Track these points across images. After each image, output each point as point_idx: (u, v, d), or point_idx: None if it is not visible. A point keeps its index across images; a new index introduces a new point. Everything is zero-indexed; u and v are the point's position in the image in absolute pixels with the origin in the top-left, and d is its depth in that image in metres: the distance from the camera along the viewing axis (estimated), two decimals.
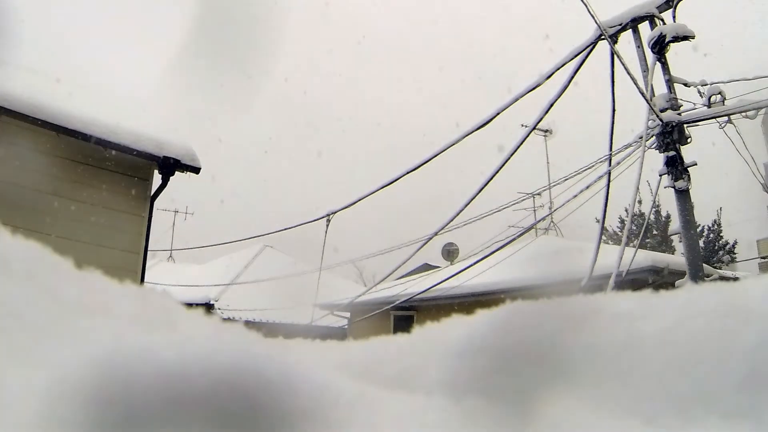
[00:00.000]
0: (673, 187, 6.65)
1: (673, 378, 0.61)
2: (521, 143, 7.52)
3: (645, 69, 6.96)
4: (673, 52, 6.77)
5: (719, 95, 6.80)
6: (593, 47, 7.00)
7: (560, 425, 0.53)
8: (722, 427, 0.53)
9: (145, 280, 6.46)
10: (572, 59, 7.16)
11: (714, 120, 6.80)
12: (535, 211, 14.13)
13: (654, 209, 21.43)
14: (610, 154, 7.30)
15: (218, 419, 0.47)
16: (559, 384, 0.61)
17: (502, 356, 0.66)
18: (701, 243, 19.96)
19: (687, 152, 6.73)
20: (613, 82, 7.00)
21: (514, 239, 9.21)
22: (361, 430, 0.51)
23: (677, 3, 6.63)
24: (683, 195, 6.65)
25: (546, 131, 15.79)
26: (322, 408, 0.50)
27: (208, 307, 14.57)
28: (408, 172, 8.12)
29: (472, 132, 7.60)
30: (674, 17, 6.70)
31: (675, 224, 7.15)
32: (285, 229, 10.71)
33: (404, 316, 12.86)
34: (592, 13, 5.63)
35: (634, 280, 8.51)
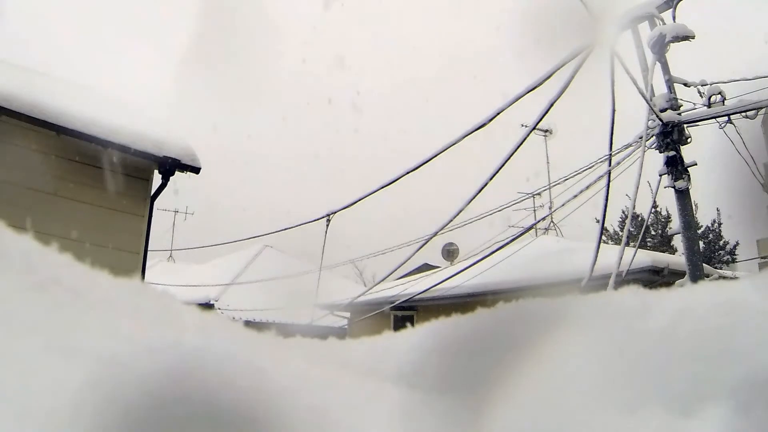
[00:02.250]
0: (673, 187, 6.65)
1: (672, 374, 0.61)
2: (521, 143, 7.52)
3: (645, 69, 6.96)
4: (673, 51, 6.78)
5: (719, 95, 6.80)
6: (593, 47, 7.00)
7: (560, 420, 0.53)
8: (720, 423, 0.53)
9: (145, 280, 6.46)
10: (572, 59, 7.15)
11: (714, 120, 6.80)
12: (535, 211, 14.14)
13: (654, 209, 21.41)
14: (610, 154, 7.30)
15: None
16: (558, 380, 0.61)
17: (501, 353, 0.66)
18: (701, 243, 19.93)
19: (687, 152, 6.73)
20: (613, 82, 7.00)
21: (514, 239, 9.20)
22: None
23: (677, 3, 6.63)
24: (683, 195, 6.65)
25: (546, 131, 15.80)
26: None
27: (208, 307, 14.57)
28: (408, 173, 8.12)
29: (472, 132, 7.60)
30: (674, 17, 6.70)
31: (675, 224, 7.15)
32: (285, 229, 10.70)
33: (404, 316, 12.86)
34: (592, 12, 5.63)
35: (634, 281, 8.51)
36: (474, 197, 7.64)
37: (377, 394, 0.59)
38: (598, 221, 7.61)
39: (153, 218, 6.30)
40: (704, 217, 22.19)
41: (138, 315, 0.76)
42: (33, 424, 0.46)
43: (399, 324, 12.73)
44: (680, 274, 8.07)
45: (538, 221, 12.90)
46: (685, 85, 6.91)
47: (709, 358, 0.65)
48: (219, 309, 14.67)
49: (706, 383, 0.60)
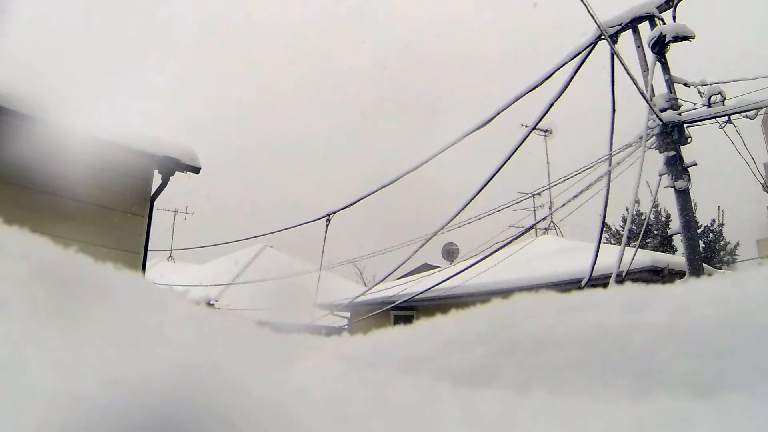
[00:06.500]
0: (673, 187, 6.65)
1: (669, 365, 0.61)
2: (521, 143, 7.53)
3: (645, 69, 6.96)
4: (673, 52, 6.78)
5: (719, 95, 6.80)
6: (593, 47, 7.01)
7: (560, 411, 0.53)
8: (715, 410, 0.54)
9: None
10: (572, 59, 7.16)
11: (714, 120, 6.79)
12: (535, 211, 14.15)
13: (654, 209, 21.39)
14: (610, 154, 7.30)
15: None
16: (559, 374, 0.61)
17: (503, 346, 0.66)
18: (701, 243, 19.93)
19: (687, 152, 6.73)
20: (613, 82, 7.01)
21: (514, 239, 9.20)
22: None
23: (677, 3, 6.63)
24: (683, 195, 6.65)
25: (546, 131, 15.82)
26: None
27: (209, 306, 14.54)
28: (408, 172, 8.13)
29: (472, 132, 7.61)
30: (674, 17, 6.70)
31: (675, 224, 7.15)
32: (285, 229, 10.71)
33: (404, 315, 12.86)
34: (592, 13, 5.63)
35: (634, 280, 8.50)
36: (474, 197, 7.65)
37: (384, 386, 0.59)
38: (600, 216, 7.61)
39: (153, 218, 6.30)
40: (704, 217, 22.18)
41: (136, 307, 0.77)
42: (31, 416, 0.47)
43: (399, 324, 12.70)
44: (680, 274, 8.07)
45: (539, 221, 12.91)
46: (685, 85, 6.91)
47: (709, 353, 0.65)
48: (219, 309, 14.67)
49: (707, 377, 0.61)
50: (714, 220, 22.79)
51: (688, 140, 6.72)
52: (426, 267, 16.49)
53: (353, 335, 1.06)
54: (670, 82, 6.82)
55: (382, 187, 8.44)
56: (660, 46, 6.69)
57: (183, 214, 21.65)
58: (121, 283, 0.83)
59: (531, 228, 11.40)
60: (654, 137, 6.77)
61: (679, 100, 6.79)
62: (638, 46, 7.03)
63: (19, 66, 6.43)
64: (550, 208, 11.37)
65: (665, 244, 21.42)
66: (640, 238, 12.70)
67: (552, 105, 7.32)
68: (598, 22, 6.01)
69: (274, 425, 0.49)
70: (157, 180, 6.28)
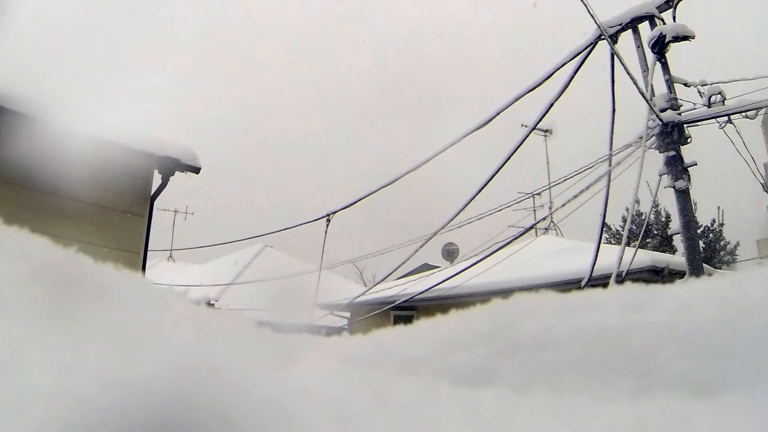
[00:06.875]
0: (673, 187, 6.65)
1: (668, 364, 0.61)
2: (521, 143, 7.53)
3: (645, 69, 6.97)
4: (673, 52, 6.78)
5: (719, 95, 6.80)
6: (593, 47, 7.01)
7: (560, 411, 0.53)
8: (715, 410, 0.54)
9: None
10: (572, 59, 7.16)
11: (714, 120, 6.80)
12: (535, 211, 14.16)
13: (654, 209, 21.36)
14: (610, 154, 7.30)
15: None
16: (559, 374, 0.61)
17: (503, 346, 0.66)
18: (701, 243, 19.89)
19: (687, 152, 6.74)
20: (613, 82, 7.01)
21: (514, 239, 9.20)
22: None
23: (677, 3, 6.63)
24: (683, 195, 6.65)
25: (546, 131, 15.83)
26: None
27: (209, 306, 14.54)
28: (408, 172, 8.14)
29: (472, 132, 7.61)
30: (674, 17, 6.70)
31: (675, 224, 7.14)
32: (285, 229, 10.71)
33: (404, 315, 12.86)
34: (592, 13, 5.63)
35: (634, 281, 8.48)
36: (474, 197, 7.66)
37: (384, 386, 0.59)
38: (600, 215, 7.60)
39: (153, 218, 6.30)
40: (704, 217, 22.18)
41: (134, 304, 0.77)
42: (31, 416, 0.47)
43: (399, 324, 12.70)
44: (680, 274, 8.07)
45: (539, 221, 12.91)
46: (685, 85, 6.92)
47: (709, 353, 0.65)
48: (219, 309, 14.66)
49: (707, 377, 0.61)
50: (714, 220, 22.78)
51: (688, 140, 6.72)
52: (426, 267, 16.48)
53: (353, 335, 1.06)
54: (670, 82, 6.82)
55: (382, 187, 8.45)
56: (660, 46, 6.69)
57: (183, 214, 21.67)
58: (121, 283, 0.83)
59: (531, 228, 11.40)
60: (654, 137, 6.77)
61: (679, 100, 6.79)
62: (638, 46, 7.03)
63: (19, 66, 6.43)
64: (550, 208, 11.37)
65: (665, 244, 21.39)
66: (640, 238, 12.69)
67: (552, 105, 7.32)
68: (598, 22, 6.01)
69: (274, 425, 0.49)
70: (157, 180, 6.28)
